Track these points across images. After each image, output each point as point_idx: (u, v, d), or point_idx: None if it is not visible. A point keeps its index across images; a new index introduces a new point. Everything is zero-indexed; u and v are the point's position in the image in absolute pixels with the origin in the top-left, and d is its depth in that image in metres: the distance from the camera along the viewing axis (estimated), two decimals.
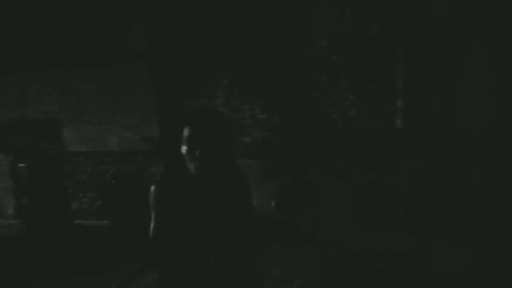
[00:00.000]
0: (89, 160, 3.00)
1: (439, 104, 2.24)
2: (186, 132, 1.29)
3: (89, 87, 2.85)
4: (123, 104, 2.85)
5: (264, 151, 2.72)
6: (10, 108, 3.10)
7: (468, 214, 1.83)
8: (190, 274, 1.35)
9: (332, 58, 2.51)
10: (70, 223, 3.09)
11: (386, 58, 2.44)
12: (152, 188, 1.36)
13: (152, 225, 1.38)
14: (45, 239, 2.93)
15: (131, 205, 3.02)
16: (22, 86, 3.03)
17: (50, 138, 3.10)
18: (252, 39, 2.58)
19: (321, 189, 2.64)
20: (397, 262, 2.26)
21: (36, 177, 2.97)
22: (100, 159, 2.99)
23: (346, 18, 2.42)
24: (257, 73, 2.63)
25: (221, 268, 1.36)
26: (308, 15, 2.48)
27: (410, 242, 2.37)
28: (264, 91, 2.66)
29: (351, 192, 2.54)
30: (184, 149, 1.28)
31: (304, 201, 2.69)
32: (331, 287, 2.19)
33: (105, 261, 2.72)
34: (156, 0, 2.64)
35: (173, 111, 2.81)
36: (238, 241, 1.37)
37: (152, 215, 1.39)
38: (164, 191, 1.35)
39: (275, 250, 2.55)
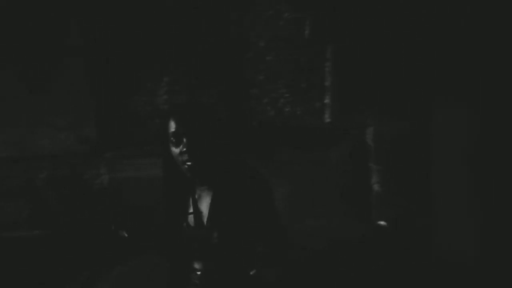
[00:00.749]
0: (15, 166, 2.77)
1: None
2: (170, 127, 1.22)
3: (19, 86, 2.63)
4: (57, 103, 2.69)
5: None
6: None
7: None
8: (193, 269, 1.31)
9: (269, 58, 2.70)
10: None
11: (316, 58, 2.71)
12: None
13: (161, 219, 1.40)
14: None
15: (66, 211, 2.88)
16: None
17: None
18: (193, 38, 2.66)
19: None
20: (341, 249, 2.55)
21: None
22: (29, 164, 2.78)
23: (282, 21, 2.63)
24: (199, 72, 2.71)
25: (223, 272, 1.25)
26: (247, 18, 2.63)
27: (349, 228, 2.70)
28: (206, 89, 2.75)
29: (291, 183, 2.78)
30: (173, 149, 1.23)
31: None
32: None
33: (40, 275, 2.57)
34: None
35: (112, 110, 2.75)
36: (247, 246, 1.23)
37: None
38: (166, 190, 1.37)
39: None
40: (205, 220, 1.29)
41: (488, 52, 2.47)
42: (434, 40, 2.58)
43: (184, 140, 1.20)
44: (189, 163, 1.21)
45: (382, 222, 2.87)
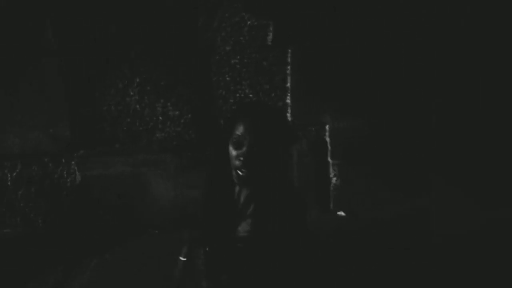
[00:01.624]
0: None
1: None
2: (236, 129, 1.17)
3: None
4: (29, 103, 2.74)
5: (178, 146, 2.97)
6: None
7: None
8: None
9: (235, 61, 2.92)
10: None
11: (278, 62, 2.96)
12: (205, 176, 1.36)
13: (201, 210, 1.38)
14: None
15: (37, 210, 2.92)
16: None
17: None
18: (163, 41, 2.81)
19: None
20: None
21: None
22: None
23: (247, 27, 2.85)
24: (169, 73, 2.87)
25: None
26: (213, 23, 2.83)
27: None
28: (176, 90, 2.91)
29: None
30: (230, 149, 1.19)
31: None
32: None
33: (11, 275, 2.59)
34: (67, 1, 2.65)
35: (84, 109, 2.84)
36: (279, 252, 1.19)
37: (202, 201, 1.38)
38: (209, 184, 1.36)
39: None
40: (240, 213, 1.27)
41: None
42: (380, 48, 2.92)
43: (245, 148, 1.16)
44: (241, 171, 1.18)
45: (341, 212, 3.14)
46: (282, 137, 1.22)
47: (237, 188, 1.33)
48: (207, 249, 1.39)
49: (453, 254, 2.46)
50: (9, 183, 2.87)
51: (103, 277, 2.47)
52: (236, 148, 1.18)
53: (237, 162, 1.18)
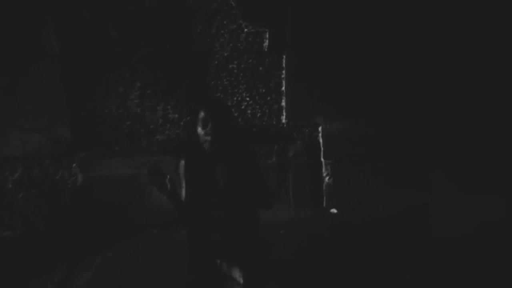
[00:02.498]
0: None
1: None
2: (200, 115, 1.60)
3: None
4: (29, 106, 2.79)
5: (177, 148, 3.07)
6: None
7: None
8: (211, 232, 1.65)
9: (232, 66, 3.04)
10: None
11: (273, 67, 3.10)
12: (182, 162, 1.69)
13: (183, 192, 1.68)
14: None
15: (37, 212, 2.95)
16: None
17: None
18: (163, 47, 2.92)
19: None
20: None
21: None
22: None
23: (244, 34, 2.99)
24: (169, 77, 2.97)
25: (236, 226, 1.64)
26: (212, 30, 2.96)
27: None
28: (176, 93, 3.01)
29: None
30: (198, 129, 1.59)
31: None
32: None
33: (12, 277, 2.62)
34: (68, 4, 2.72)
35: (85, 113, 2.91)
36: (251, 200, 1.67)
37: (183, 184, 1.69)
38: (189, 165, 1.68)
39: None
40: (220, 186, 1.65)
41: None
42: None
43: (210, 124, 1.56)
44: (210, 140, 1.56)
45: (333, 210, 3.29)
46: (231, 116, 1.64)
47: (214, 169, 1.67)
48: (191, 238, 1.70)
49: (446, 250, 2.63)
50: (10, 186, 2.90)
51: (107, 274, 2.54)
52: (203, 127, 1.58)
53: (206, 137, 1.58)
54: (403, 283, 2.31)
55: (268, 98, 3.16)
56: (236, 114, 3.12)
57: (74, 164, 2.96)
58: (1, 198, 2.92)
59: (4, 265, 2.69)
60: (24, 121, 2.86)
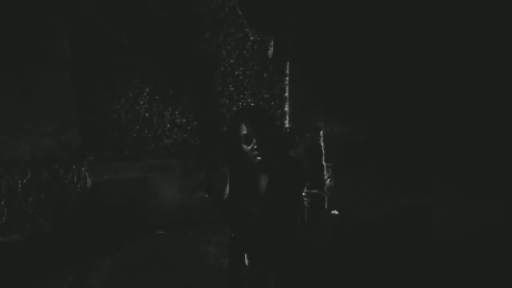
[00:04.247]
0: None
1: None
2: (241, 130, 1.49)
3: (3, 94, 2.74)
4: (40, 110, 2.83)
5: (184, 152, 3.15)
6: None
7: None
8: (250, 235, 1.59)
9: (238, 73, 3.15)
10: None
11: (277, 73, 3.22)
12: (227, 168, 1.64)
13: (227, 195, 1.66)
14: None
15: (46, 216, 2.98)
16: None
17: None
18: (172, 53, 3.01)
19: None
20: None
21: None
22: (8, 169, 2.86)
23: (250, 42, 3.11)
24: (176, 83, 3.06)
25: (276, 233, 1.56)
26: (219, 37, 3.07)
27: None
28: (183, 99, 3.10)
29: None
30: (244, 146, 1.48)
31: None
32: None
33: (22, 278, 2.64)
34: (79, 11, 2.80)
35: (95, 117, 2.97)
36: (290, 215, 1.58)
37: (227, 189, 1.66)
38: (233, 172, 1.65)
39: None
40: (263, 196, 1.59)
41: None
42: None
43: (254, 140, 1.47)
44: (259, 158, 1.49)
45: (335, 211, 3.41)
46: (275, 128, 1.56)
47: (258, 177, 1.61)
48: (233, 235, 1.69)
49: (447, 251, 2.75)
50: (19, 190, 2.93)
51: (119, 275, 2.59)
52: (247, 144, 1.49)
53: (254, 153, 1.49)
54: (403, 283, 2.42)
55: (272, 103, 3.28)
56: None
57: (83, 168, 3.01)
58: (11, 202, 2.94)
59: (13, 268, 2.72)
60: (34, 125, 2.89)
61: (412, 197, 3.30)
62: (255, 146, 1.46)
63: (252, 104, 3.19)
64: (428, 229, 3.01)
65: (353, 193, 3.39)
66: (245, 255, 1.72)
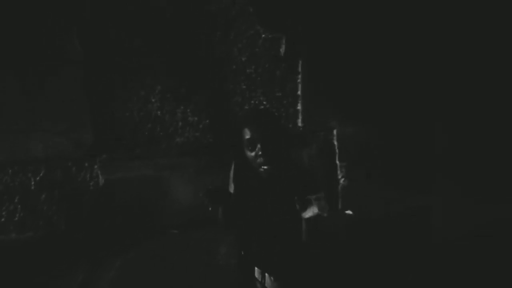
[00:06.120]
0: (9, 169, 2.87)
1: None
2: (245, 134, 1.35)
3: (16, 93, 2.79)
4: (53, 108, 2.86)
5: (197, 150, 3.13)
6: None
7: None
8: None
9: (250, 71, 3.12)
10: None
11: (289, 72, 3.18)
12: (232, 166, 1.54)
13: (232, 195, 1.50)
14: None
15: (59, 213, 3.00)
16: None
17: None
18: (183, 52, 3.00)
19: None
20: None
21: None
22: (22, 167, 2.89)
23: (261, 40, 3.08)
24: (188, 81, 3.05)
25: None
26: (230, 35, 3.04)
27: None
28: (195, 97, 3.08)
29: None
30: (247, 153, 1.36)
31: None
32: None
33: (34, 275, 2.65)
34: (92, 9, 2.82)
35: (107, 116, 2.97)
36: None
37: (231, 188, 1.55)
38: (238, 172, 1.55)
39: None
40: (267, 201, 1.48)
41: None
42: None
43: (259, 146, 1.33)
44: (265, 167, 1.36)
45: (349, 211, 3.34)
46: (282, 132, 1.42)
47: (261, 182, 1.49)
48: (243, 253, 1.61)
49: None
50: (32, 187, 2.96)
51: (130, 274, 2.59)
52: (251, 150, 1.36)
53: (258, 160, 1.36)
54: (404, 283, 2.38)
55: (285, 101, 3.23)
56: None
57: (95, 166, 3.02)
58: (24, 199, 2.97)
59: (27, 265, 2.74)
60: (47, 123, 2.92)
61: (418, 197, 3.23)
62: (260, 153, 1.33)
63: (260, 107, 3.14)
64: (429, 230, 2.99)
65: (367, 192, 3.32)
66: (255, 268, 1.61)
